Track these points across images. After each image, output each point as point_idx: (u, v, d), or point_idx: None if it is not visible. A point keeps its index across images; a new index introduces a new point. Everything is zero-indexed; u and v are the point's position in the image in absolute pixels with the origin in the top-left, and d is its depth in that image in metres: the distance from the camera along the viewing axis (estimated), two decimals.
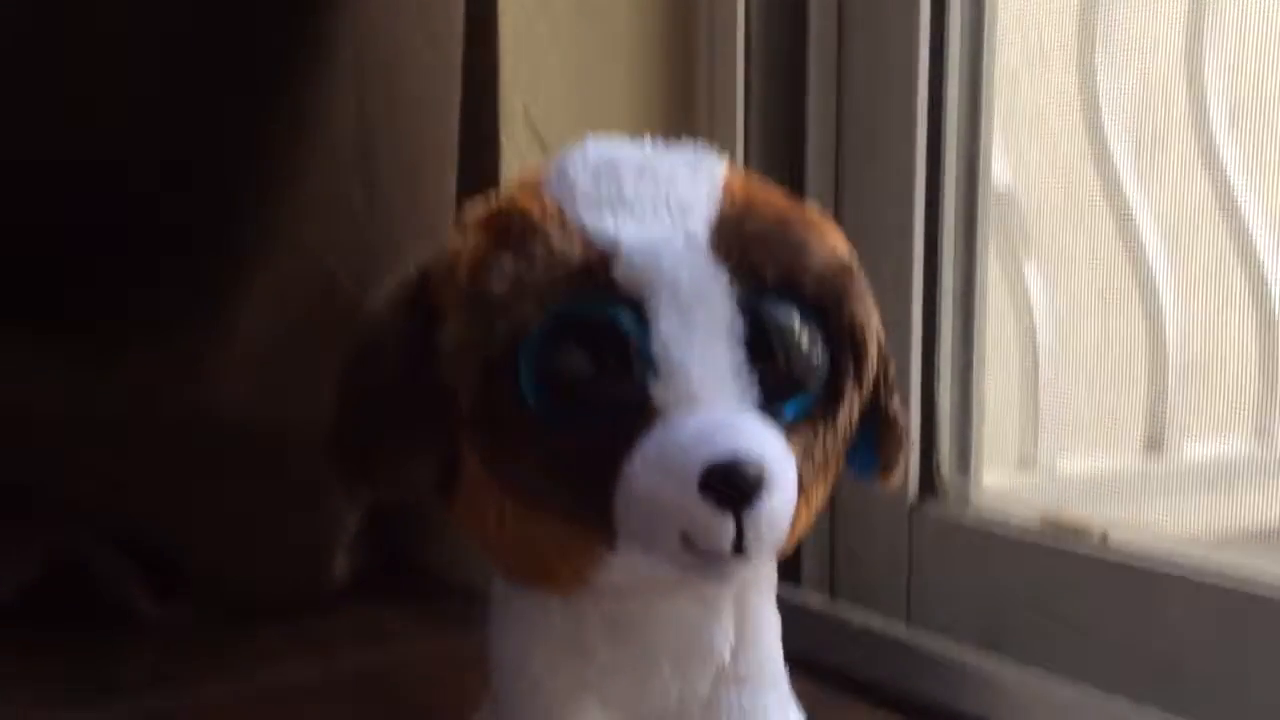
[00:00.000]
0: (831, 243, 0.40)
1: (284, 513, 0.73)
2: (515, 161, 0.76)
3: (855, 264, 0.40)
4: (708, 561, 0.37)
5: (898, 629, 0.70)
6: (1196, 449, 0.82)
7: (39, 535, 0.75)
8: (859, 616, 0.72)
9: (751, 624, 0.44)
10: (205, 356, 0.68)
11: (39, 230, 0.69)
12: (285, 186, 0.66)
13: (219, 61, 0.66)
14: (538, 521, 0.39)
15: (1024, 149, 0.82)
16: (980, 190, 0.73)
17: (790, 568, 0.76)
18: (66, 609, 0.75)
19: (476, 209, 0.41)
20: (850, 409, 0.40)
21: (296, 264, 0.68)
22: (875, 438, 0.43)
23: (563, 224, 0.38)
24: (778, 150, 0.78)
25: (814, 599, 0.75)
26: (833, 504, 0.77)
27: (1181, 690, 0.58)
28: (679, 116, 0.81)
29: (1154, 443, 0.83)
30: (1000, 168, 0.77)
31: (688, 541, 0.36)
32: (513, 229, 0.38)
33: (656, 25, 0.81)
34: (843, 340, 0.39)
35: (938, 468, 0.73)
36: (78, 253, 0.69)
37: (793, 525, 0.38)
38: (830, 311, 0.39)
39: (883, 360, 0.41)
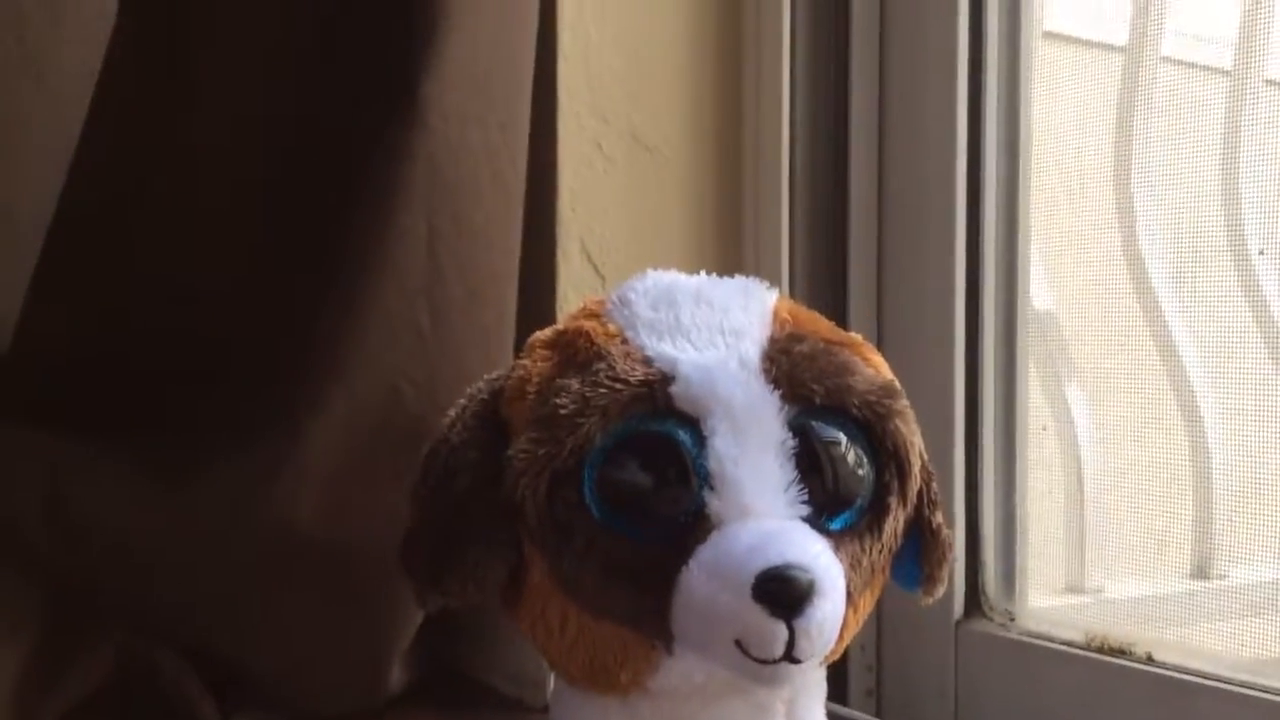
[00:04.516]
0: (875, 365, 0.43)
1: (346, 624, 0.75)
2: (571, 291, 0.80)
3: (897, 385, 0.43)
4: (760, 666, 0.39)
5: None
6: (1244, 573, 0.82)
7: (110, 639, 0.77)
8: None
9: None
10: (280, 472, 0.71)
11: (112, 350, 0.73)
12: (360, 311, 0.70)
13: (308, 196, 0.71)
14: (598, 626, 0.41)
15: (1064, 272, 0.84)
16: (1019, 314, 0.76)
17: (837, 685, 0.77)
18: (134, 713, 0.77)
19: (544, 334, 0.44)
20: (895, 522, 0.42)
21: (368, 384, 0.71)
22: (919, 551, 0.45)
23: (625, 348, 0.41)
24: (820, 280, 0.82)
25: (861, 717, 0.76)
26: (879, 622, 0.79)
27: None
28: (728, 251, 0.85)
29: (1202, 570, 0.83)
30: (1041, 291, 0.80)
31: (741, 647, 0.38)
32: (579, 352, 0.42)
33: (706, 165, 0.86)
34: (887, 457, 0.42)
35: (983, 588, 0.74)
36: (153, 371, 0.73)
37: (841, 632, 0.40)
38: (875, 430, 0.42)
39: (925, 476, 0.44)
